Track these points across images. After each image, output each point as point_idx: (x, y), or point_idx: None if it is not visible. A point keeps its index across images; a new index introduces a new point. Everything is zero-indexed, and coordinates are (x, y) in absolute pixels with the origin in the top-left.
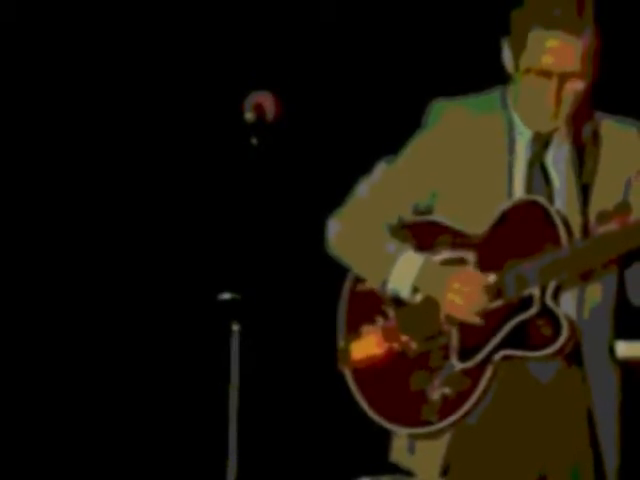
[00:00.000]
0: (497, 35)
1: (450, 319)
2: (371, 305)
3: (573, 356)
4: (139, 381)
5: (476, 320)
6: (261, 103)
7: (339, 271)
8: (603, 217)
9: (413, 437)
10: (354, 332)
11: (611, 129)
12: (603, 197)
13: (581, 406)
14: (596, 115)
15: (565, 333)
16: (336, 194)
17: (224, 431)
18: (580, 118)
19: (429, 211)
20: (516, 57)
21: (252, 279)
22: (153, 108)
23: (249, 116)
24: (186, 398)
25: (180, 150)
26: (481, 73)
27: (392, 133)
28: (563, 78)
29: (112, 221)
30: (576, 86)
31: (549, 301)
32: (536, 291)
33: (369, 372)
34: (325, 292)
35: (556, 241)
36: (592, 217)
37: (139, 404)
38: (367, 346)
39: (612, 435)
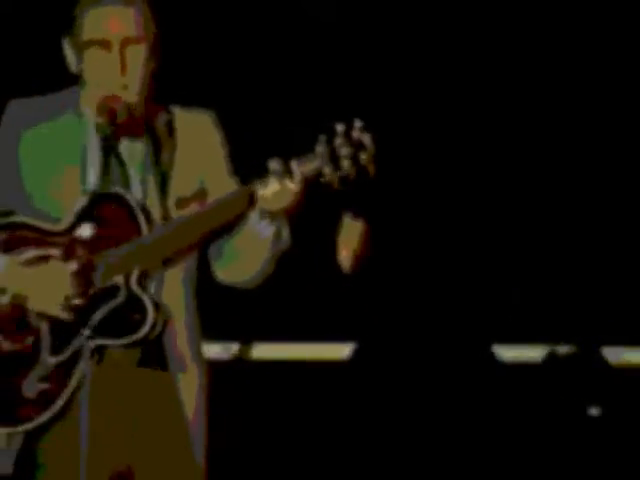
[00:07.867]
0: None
1: (41, 314)
2: None
3: (152, 343)
4: None
5: (64, 314)
6: None
7: None
8: (181, 203)
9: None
10: None
11: (185, 119)
12: (182, 184)
13: (168, 396)
14: (170, 107)
15: (151, 315)
16: None
17: None
18: (152, 111)
19: (10, 212)
20: (77, 46)
21: None
22: None
23: None
24: None
25: None
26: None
27: None
28: (123, 44)
29: None
30: (138, 51)
31: (134, 287)
32: (121, 279)
33: None
34: None
35: (137, 229)
36: (171, 203)
37: None
38: None
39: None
